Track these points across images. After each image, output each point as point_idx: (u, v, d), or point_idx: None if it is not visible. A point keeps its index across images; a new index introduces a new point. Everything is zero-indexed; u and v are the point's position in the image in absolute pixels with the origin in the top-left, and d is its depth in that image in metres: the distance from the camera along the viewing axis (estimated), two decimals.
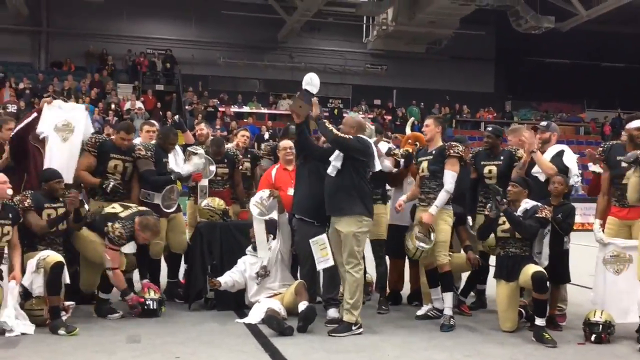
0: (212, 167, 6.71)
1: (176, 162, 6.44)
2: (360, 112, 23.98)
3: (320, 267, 5.61)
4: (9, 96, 19.47)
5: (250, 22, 24.28)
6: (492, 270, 6.37)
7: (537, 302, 5.33)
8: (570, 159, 5.94)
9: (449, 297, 5.69)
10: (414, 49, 25.61)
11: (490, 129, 6.46)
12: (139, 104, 20.44)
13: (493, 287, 5.91)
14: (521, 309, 5.73)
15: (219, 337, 5.15)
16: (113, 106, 20.33)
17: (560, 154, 5.96)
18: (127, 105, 20.14)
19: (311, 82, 5.47)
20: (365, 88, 26.33)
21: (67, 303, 5.42)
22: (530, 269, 5.38)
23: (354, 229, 5.30)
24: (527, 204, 5.56)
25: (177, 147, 6.59)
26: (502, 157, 6.21)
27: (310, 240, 5.57)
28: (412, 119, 8.43)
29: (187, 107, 22.03)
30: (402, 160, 6.38)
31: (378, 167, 5.61)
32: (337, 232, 5.40)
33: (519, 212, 5.53)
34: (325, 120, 5.42)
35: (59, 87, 20.97)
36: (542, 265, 5.47)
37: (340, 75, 26.87)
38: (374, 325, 5.60)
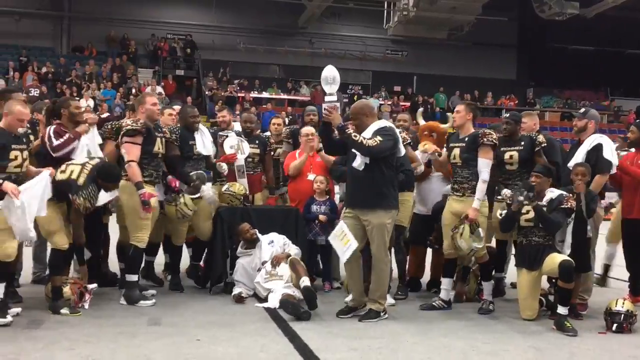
0: (245, 145, 6.65)
1: (203, 143, 6.30)
2: (380, 99, 23.90)
3: (346, 256, 5.35)
4: (31, 80, 19.70)
5: (270, 8, 24.22)
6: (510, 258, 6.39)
7: (562, 290, 5.32)
8: (610, 150, 5.90)
9: (488, 286, 5.80)
10: (435, 35, 25.32)
11: (508, 115, 6.40)
12: (159, 89, 20.54)
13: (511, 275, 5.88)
14: (541, 298, 5.71)
15: (239, 321, 5.18)
16: (134, 91, 20.46)
17: (598, 148, 5.88)
18: (148, 90, 20.23)
19: (333, 80, 5.36)
20: (385, 74, 26.23)
21: (89, 286, 5.48)
22: (556, 257, 5.35)
23: (386, 221, 5.24)
24: (552, 193, 5.52)
25: (203, 127, 6.45)
26: (522, 143, 6.14)
27: (329, 239, 5.48)
28: (421, 109, 8.26)
29: (207, 93, 22.10)
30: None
31: (403, 151, 5.50)
32: (360, 223, 5.29)
33: (544, 201, 5.49)
34: (350, 130, 5.14)
35: (80, 71, 21.15)
36: (564, 254, 5.44)
37: (360, 61, 26.79)
38: (392, 311, 5.59)
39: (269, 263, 5.93)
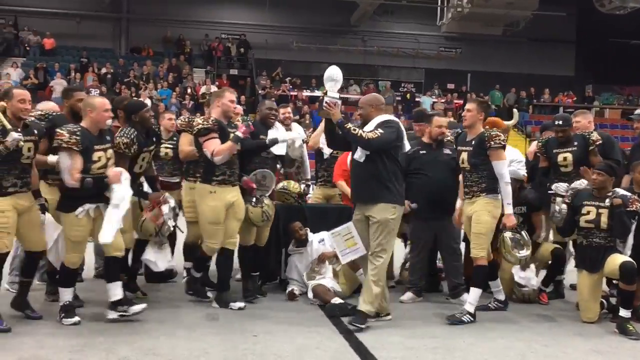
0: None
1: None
2: (433, 97, 23.65)
3: (347, 259, 5.29)
4: (92, 81, 20.29)
5: (323, 6, 24.27)
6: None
7: (624, 293, 5.17)
8: None
9: (475, 292, 5.36)
10: (490, 32, 24.90)
11: (561, 122, 6.09)
12: (214, 89, 20.86)
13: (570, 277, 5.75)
14: (602, 300, 5.56)
15: (294, 318, 5.23)
16: (189, 90, 20.84)
17: None
18: (203, 90, 20.57)
19: (337, 78, 5.22)
20: (439, 72, 25.91)
21: (162, 199, 5.50)
22: (617, 258, 5.20)
23: (388, 216, 5.02)
24: (616, 193, 5.35)
25: (278, 124, 6.24)
26: (575, 143, 6.00)
27: (330, 233, 5.38)
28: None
29: (260, 92, 22.32)
30: None
31: (408, 147, 5.38)
32: (366, 220, 5.12)
33: (607, 202, 5.33)
34: (349, 125, 5.01)
35: (138, 72, 21.67)
36: (625, 255, 5.29)
37: (413, 58, 26.57)
38: (447, 312, 5.53)
39: (315, 260, 6.00)
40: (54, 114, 5.38)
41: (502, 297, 5.75)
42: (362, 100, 5.39)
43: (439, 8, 24.47)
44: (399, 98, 24.16)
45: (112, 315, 4.93)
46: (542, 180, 6.24)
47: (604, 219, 5.31)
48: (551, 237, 6.49)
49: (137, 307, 4.97)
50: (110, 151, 5.00)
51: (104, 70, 21.41)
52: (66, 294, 4.94)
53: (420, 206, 5.85)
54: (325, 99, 5.13)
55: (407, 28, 26.25)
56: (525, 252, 5.51)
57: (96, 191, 4.80)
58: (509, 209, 5.36)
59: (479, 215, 5.35)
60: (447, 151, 5.96)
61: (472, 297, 5.35)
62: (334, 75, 5.24)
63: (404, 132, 5.25)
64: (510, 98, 24.04)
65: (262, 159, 5.91)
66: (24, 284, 5.10)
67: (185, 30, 24.65)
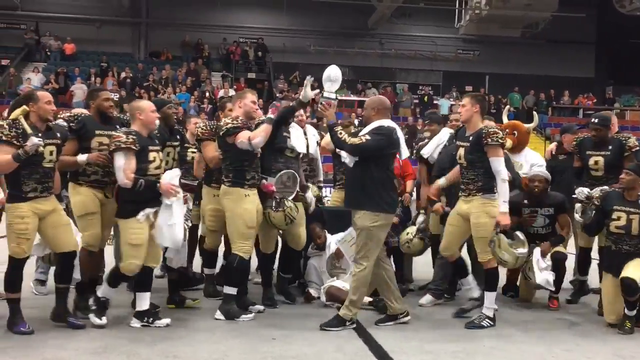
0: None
1: (296, 136, 5.86)
2: (451, 99, 23.56)
3: None
4: (111, 85, 20.48)
5: (340, 9, 24.32)
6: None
7: (627, 301, 5.20)
8: None
9: (490, 296, 5.24)
10: (509, 33, 24.74)
11: (596, 120, 5.91)
12: (232, 92, 20.96)
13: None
14: None
15: (314, 322, 5.21)
16: (207, 94, 20.96)
17: None
18: (221, 93, 20.68)
19: (336, 79, 5.18)
20: (457, 74, 25.84)
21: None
22: (630, 266, 5.18)
23: (367, 224, 4.94)
24: None
25: (295, 123, 6.01)
26: (610, 147, 5.82)
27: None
28: (508, 106, 7.95)
29: (278, 95, 22.39)
30: None
31: (406, 154, 5.31)
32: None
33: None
34: (338, 128, 4.99)
35: (157, 76, 21.83)
36: None
37: (431, 61, 26.51)
38: (469, 315, 5.49)
39: (333, 254, 6.01)
40: (82, 115, 5.42)
41: (476, 294, 5.53)
42: (366, 103, 5.38)
43: (456, 10, 24.40)
44: (416, 101, 24.11)
45: (136, 324, 4.94)
46: (575, 182, 6.05)
47: (635, 225, 5.22)
48: (572, 244, 6.41)
49: (161, 322, 4.97)
50: (162, 154, 5.11)
51: (123, 75, 21.63)
52: (108, 291, 4.98)
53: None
54: (321, 99, 5.10)
55: (424, 30, 26.22)
56: (523, 250, 5.36)
57: (153, 195, 4.84)
58: (504, 207, 5.14)
59: (478, 218, 5.19)
60: None
61: (488, 301, 5.27)
62: (332, 75, 5.21)
63: (400, 139, 5.15)
64: (529, 100, 23.86)
65: (287, 159, 5.73)
66: (60, 290, 4.94)
67: (203, 35, 24.83)
